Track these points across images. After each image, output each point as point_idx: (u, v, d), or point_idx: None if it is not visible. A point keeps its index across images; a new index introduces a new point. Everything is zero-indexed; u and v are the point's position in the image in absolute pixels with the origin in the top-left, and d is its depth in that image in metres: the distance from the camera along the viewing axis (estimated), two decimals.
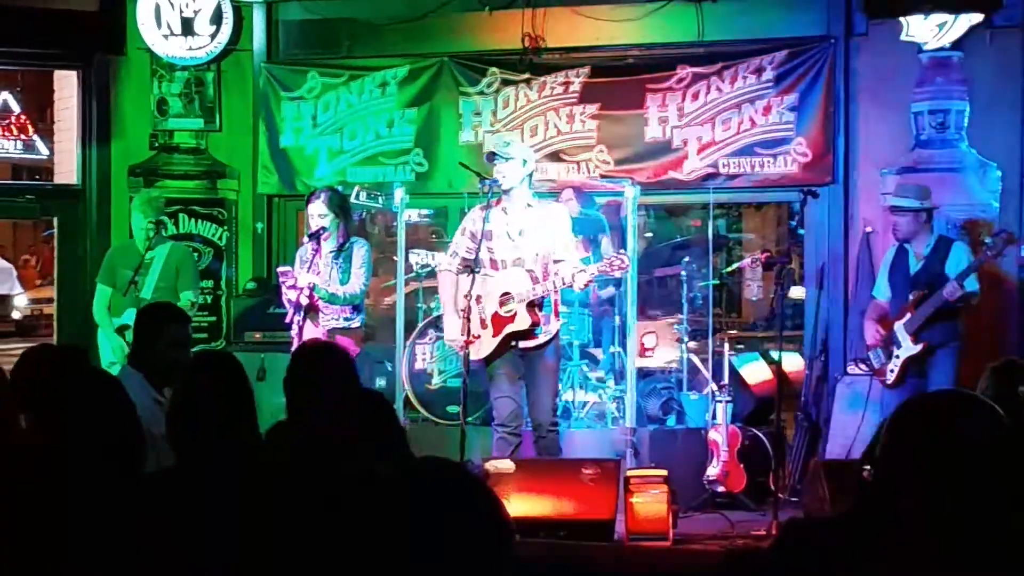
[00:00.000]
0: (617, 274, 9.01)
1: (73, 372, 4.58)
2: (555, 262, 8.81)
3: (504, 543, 2.17)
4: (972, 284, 9.15)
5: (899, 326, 9.34)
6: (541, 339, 8.87)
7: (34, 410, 4.41)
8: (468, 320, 8.78)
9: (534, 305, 8.79)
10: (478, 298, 8.86)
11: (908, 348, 9.28)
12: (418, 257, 11.34)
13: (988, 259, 9.23)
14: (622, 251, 8.88)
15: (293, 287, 9.28)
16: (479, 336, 8.86)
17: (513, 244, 8.93)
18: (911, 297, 9.32)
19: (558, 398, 9.34)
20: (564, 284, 8.72)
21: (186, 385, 4.58)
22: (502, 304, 8.81)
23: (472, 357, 8.85)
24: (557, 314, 9.05)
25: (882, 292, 9.70)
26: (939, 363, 9.25)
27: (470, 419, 9.54)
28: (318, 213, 9.47)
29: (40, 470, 3.76)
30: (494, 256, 8.96)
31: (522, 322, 8.76)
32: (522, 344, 8.87)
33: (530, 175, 9.10)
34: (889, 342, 9.40)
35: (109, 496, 3.72)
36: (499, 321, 8.83)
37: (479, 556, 2.11)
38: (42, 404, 4.36)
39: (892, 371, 9.38)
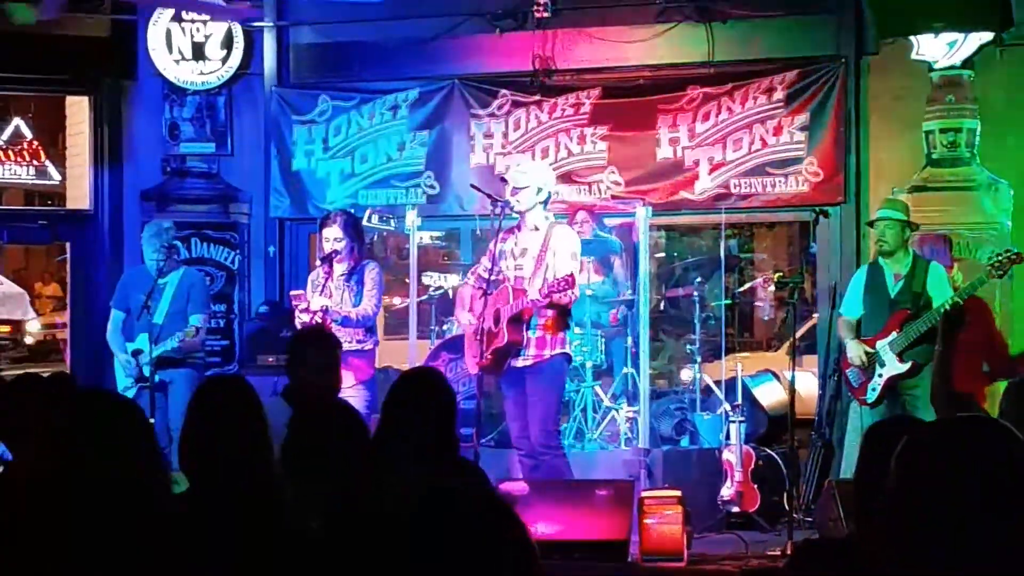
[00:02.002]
0: (564, 298, 8.81)
1: (56, 401, 4.56)
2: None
3: (529, 568, 2.16)
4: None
5: (882, 345, 9.29)
6: (529, 360, 8.82)
7: (15, 441, 4.36)
8: (480, 342, 8.79)
9: (518, 322, 8.76)
10: (483, 316, 8.90)
11: (894, 367, 9.23)
12: (431, 280, 11.35)
13: (993, 277, 9.21)
14: (569, 275, 8.69)
15: (306, 310, 9.28)
16: (485, 360, 8.87)
17: (516, 264, 8.95)
18: (894, 315, 9.29)
19: (557, 423, 9.20)
20: (531, 303, 8.67)
21: (197, 410, 4.57)
22: (495, 320, 8.82)
23: (472, 371, 8.89)
24: (560, 341, 8.91)
25: (853, 310, 9.66)
26: (924, 380, 9.23)
27: (484, 441, 9.53)
28: (333, 236, 9.47)
29: (40, 500, 3.74)
30: (501, 276, 8.98)
31: (501, 339, 8.76)
32: (513, 363, 8.86)
33: (546, 200, 9.07)
34: (871, 361, 9.37)
35: (116, 521, 3.70)
36: (491, 337, 8.85)
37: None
38: (25, 434, 4.33)
39: (874, 390, 9.33)
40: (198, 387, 4.82)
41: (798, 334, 12.01)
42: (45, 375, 5.03)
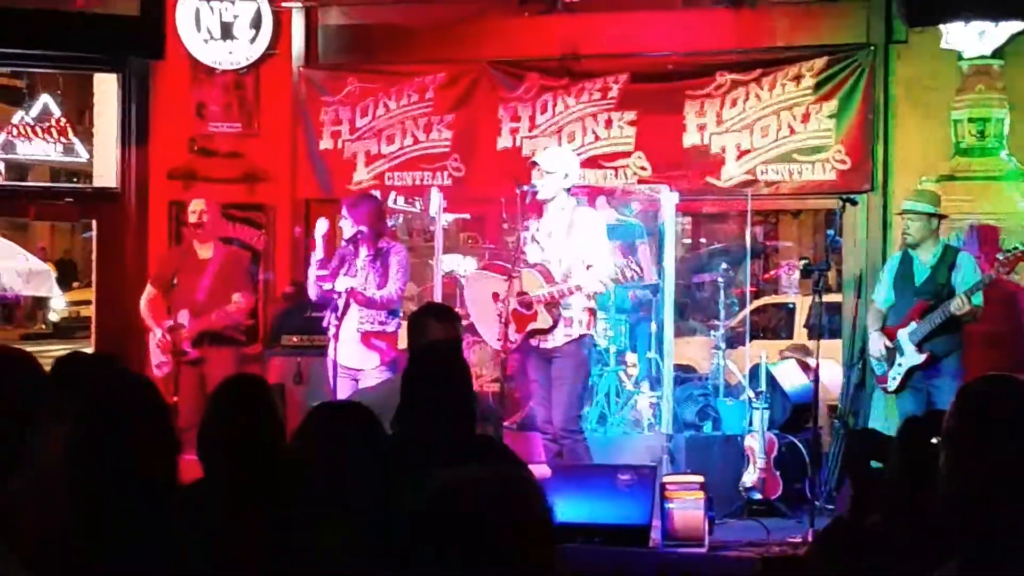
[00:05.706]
0: (628, 282, 8.93)
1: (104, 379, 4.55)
2: (587, 268, 8.81)
3: (548, 548, 2.17)
4: (978, 299, 9.11)
5: (903, 335, 9.29)
6: (559, 340, 8.86)
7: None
8: (504, 325, 8.81)
9: (552, 305, 8.81)
10: (497, 296, 8.95)
11: (912, 357, 9.23)
12: (456, 263, 11.37)
13: (999, 275, 9.18)
14: (631, 260, 8.80)
15: (330, 292, 9.34)
16: (514, 341, 8.90)
17: (541, 247, 8.98)
18: (915, 306, 9.29)
19: (581, 407, 9.26)
20: (575, 290, 8.73)
21: (215, 407, 4.62)
22: (523, 303, 8.85)
23: (498, 348, 8.94)
24: (588, 323, 8.99)
25: (884, 299, 9.65)
26: (945, 371, 9.20)
27: (507, 423, 9.55)
28: (349, 216, 9.55)
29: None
30: (526, 259, 9.00)
31: (543, 321, 8.82)
32: (541, 344, 8.90)
33: (569, 187, 9.11)
34: (892, 350, 9.36)
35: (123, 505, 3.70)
36: (521, 318, 8.87)
37: (527, 560, 2.12)
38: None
39: (894, 379, 9.35)
40: (218, 385, 4.82)
41: (735, 320, 12.02)
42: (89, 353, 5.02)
